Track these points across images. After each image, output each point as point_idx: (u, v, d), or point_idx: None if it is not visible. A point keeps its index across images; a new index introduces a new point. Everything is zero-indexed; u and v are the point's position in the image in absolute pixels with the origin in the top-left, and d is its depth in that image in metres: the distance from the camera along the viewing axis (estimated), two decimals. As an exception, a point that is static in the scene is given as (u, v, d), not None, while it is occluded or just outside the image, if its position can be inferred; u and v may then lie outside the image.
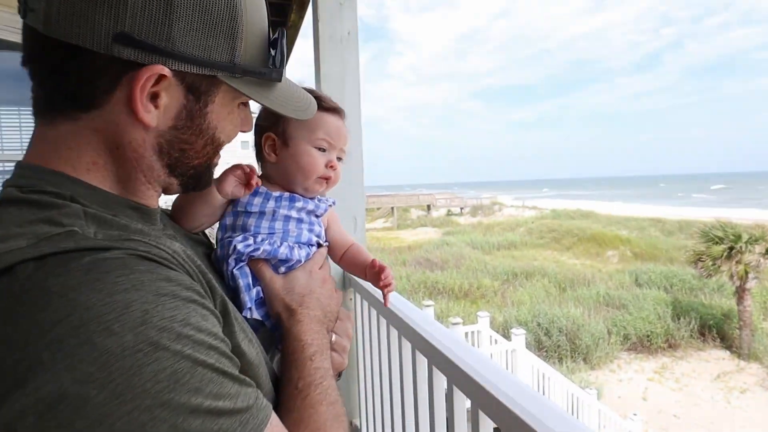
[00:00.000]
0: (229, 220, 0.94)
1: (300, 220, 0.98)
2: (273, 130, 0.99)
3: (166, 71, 0.56)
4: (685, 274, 18.24)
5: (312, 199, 1.02)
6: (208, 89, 0.63)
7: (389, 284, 1.03)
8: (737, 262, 13.75)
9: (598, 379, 12.61)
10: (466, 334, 9.56)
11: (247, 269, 0.89)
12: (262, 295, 0.88)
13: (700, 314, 15.23)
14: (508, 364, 8.94)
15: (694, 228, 16.56)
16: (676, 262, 21.18)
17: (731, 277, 13.87)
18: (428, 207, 45.69)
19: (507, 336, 12.02)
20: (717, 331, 14.90)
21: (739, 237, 14.04)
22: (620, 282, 19.33)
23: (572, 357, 13.38)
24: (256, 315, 0.86)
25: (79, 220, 0.53)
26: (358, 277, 1.11)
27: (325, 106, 0.99)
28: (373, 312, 1.95)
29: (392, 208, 41.79)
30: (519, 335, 8.99)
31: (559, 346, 13.57)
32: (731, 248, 13.95)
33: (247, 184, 0.93)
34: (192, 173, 0.69)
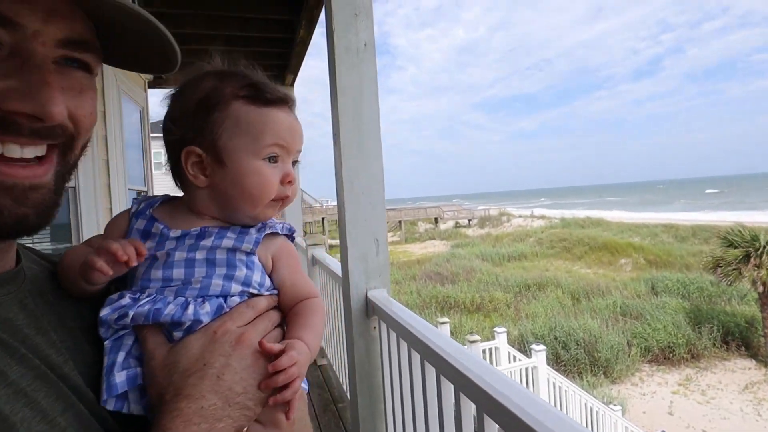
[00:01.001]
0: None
1: (211, 263, 0.67)
2: (197, 142, 0.68)
3: None
4: (702, 280, 17.88)
5: (246, 228, 0.71)
6: None
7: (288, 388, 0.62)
8: (758, 267, 13.40)
9: (621, 393, 12.23)
10: (484, 351, 9.30)
11: (128, 340, 0.63)
12: (140, 381, 0.61)
13: (722, 322, 14.83)
14: (528, 382, 8.65)
15: (708, 233, 16.26)
16: (693, 269, 20.78)
17: (754, 282, 13.51)
18: (436, 220, 45.54)
19: (524, 351, 11.73)
20: (741, 340, 14.49)
21: (757, 240, 13.72)
22: (636, 291, 18.97)
23: (592, 371, 13.03)
24: (112, 405, 0.58)
25: None
26: None
27: (268, 97, 0.70)
28: (403, 344, 1.79)
29: (399, 221, 41.67)
30: (539, 351, 8.72)
31: (577, 359, 13.24)
32: (750, 253, 13.62)
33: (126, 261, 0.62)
34: None
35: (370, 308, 2.12)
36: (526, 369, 8.89)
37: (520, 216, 46.52)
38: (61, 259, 0.66)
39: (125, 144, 3.81)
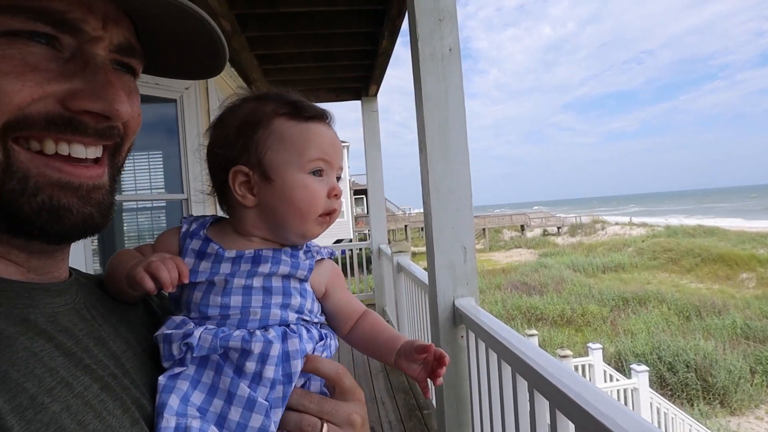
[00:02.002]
0: (175, 291, 0.66)
1: (267, 291, 0.67)
2: (243, 162, 0.69)
3: None
4: None
5: (294, 252, 0.72)
6: None
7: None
8: None
9: (741, 427, 10.76)
10: (576, 367, 8.71)
11: (182, 384, 0.59)
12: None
13: None
14: (627, 405, 7.93)
15: None
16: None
17: None
18: (522, 227, 43.83)
19: (622, 370, 10.78)
20: None
21: None
22: (762, 311, 16.66)
23: (705, 398, 11.62)
24: None
25: None
26: (377, 359, 0.79)
27: (308, 113, 0.72)
28: (492, 355, 1.73)
29: (483, 229, 40.69)
30: (641, 372, 7.96)
31: (686, 384, 11.90)
32: None
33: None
34: None
35: (457, 317, 2.08)
36: (625, 390, 8.16)
37: (617, 224, 43.15)
38: (109, 262, 0.68)
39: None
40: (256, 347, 0.62)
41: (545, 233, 42.78)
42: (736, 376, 11.85)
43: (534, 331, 11.38)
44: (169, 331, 0.63)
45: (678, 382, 11.99)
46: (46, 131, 0.45)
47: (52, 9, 0.44)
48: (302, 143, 0.70)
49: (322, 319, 0.75)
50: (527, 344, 1.54)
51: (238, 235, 0.72)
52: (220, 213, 0.79)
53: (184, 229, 0.72)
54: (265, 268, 0.68)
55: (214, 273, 0.67)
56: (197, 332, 0.62)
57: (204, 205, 3.39)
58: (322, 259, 0.75)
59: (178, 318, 0.65)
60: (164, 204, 4.02)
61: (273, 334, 0.64)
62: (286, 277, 0.69)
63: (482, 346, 1.86)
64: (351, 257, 6.76)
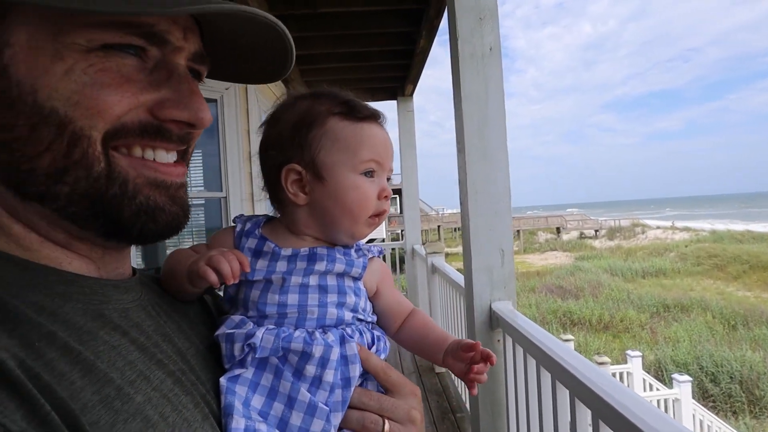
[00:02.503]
0: (231, 290, 0.70)
1: (323, 289, 0.68)
2: (297, 160, 0.70)
3: None
4: None
5: (346, 251, 0.72)
6: None
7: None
8: None
9: (792, 442, 10.16)
10: (614, 375, 8.43)
11: (241, 389, 0.59)
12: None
13: None
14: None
15: None
16: None
17: None
18: (558, 230, 42.81)
19: (662, 379, 10.37)
20: None
21: None
22: (815, 321, 15.65)
23: (751, 411, 11.04)
24: None
25: None
26: (425, 358, 0.80)
27: (361, 113, 0.72)
28: (531, 360, 1.69)
29: (518, 230, 39.97)
30: (683, 382, 7.64)
31: (730, 396, 11.34)
32: None
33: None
34: (55, 190, 0.45)
35: (494, 320, 2.05)
36: (665, 401, 7.84)
37: (658, 227, 41.53)
38: (166, 261, 0.68)
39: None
40: (317, 351, 0.62)
41: (582, 236, 41.65)
42: (787, 389, 11.21)
43: (569, 336, 11.11)
44: (231, 331, 0.63)
45: (721, 394, 11.44)
46: (140, 138, 0.48)
47: (144, 23, 0.46)
48: (355, 144, 0.70)
49: (374, 318, 0.75)
50: (568, 351, 1.51)
51: (290, 233, 0.73)
52: (262, 211, 0.80)
53: (238, 229, 0.73)
54: (321, 266, 0.68)
55: (271, 271, 0.67)
56: (259, 333, 0.62)
57: (242, 203, 3.48)
58: (372, 257, 0.75)
59: (237, 317, 0.66)
60: (203, 202, 4.13)
61: (332, 337, 0.64)
62: (341, 275, 0.70)
63: (519, 351, 1.83)
64: (384, 258, 6.78)
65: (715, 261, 25.39)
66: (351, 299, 0.69)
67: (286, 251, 0.69)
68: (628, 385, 8.42)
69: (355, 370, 0.64)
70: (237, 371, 0.61)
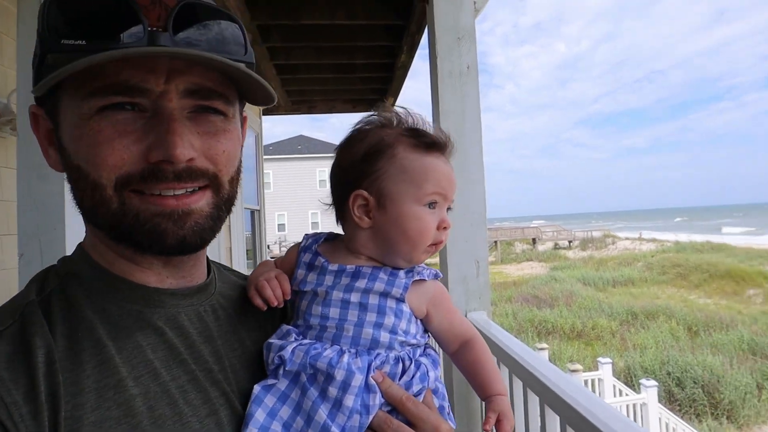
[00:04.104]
0: (292, 299, 0.75)
1: (363, 308, 0.70)
2: (365, 186, 0.75)
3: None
4: None
5: (394, 271, 0.74)
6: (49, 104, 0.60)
7: None
8: None
9: (750, 444, 10.59)
10: (586, 381, 8.65)
11: (270, 400, 0.64)
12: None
13: None
14: (636, 420, 7.86)
15: None
16: None
17: None
18: (534, 240, 43.46)
19: (631, 385, 10.68)
20: None
21: None
22: (770, 327, 16.38)
23: (713, 414, 11.47)
24: None
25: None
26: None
27: (428, 141, 0.76)
28: (504, 369, 1.71)
29: (495, 241, 40.43)
30: (650, 387, 7.91)
31: (694, 399, 11.75)
32: None
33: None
34: (99, 222, 0.60)
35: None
36: (634, 405, 8.09)
37: (627, 238, 42.75)
38: (255, 268, 0.78)
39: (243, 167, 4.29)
40: (339, 374, 0.65)
41: (556, 246, 42.42)
42: (743, 392, 11.69)
43: (544, 345, 11.32)
44: (272, 340, 0.69)
45: (686, 398, 11.84)
46: (144, 183, 0.57)
47: (119, 81, 0.54)
48: (421, 177, 0.74)
49: (423, 341, 0.76)
50: (538, 359, 1.53)
51: (347, 251, 0.77)
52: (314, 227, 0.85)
53: (302, 244, 0.80)
54: (361, 284, 0.72)
55: (318, 284, 0.73)
56: (290, 346, 0.67)
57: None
58: (423, 280, 0.76)
59: (286, 327, 0.72)
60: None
61: (359, 363, 0.67)
62: (383, 295, 0.72)
63: (493, 360, 1.88)
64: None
65: (678, 270, 26.29)
66: (390, 320, 0.70)
67: (333, 266, 0.74)
68: (599, 392, 8.64)
69: (375, 399, 0.65)
70: (271, 381, 0.66)
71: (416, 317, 0.75)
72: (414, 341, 0.73)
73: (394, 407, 0.67)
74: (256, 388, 0.64)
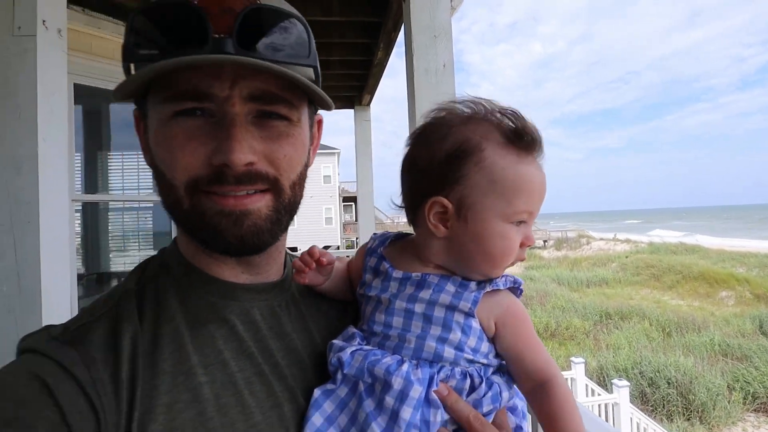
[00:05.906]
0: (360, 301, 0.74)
1: (428, 320, 0.63)
2: (444, 194, 0.65)
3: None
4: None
5: (464, 282, 0.66)
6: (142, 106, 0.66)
7: None
8: None
9: (719, 443, 10.88)
10: (559, 381, 8.73)
11: (329, 406, 0.61)
12: None
13: None
14: (608, 420, 7.98)
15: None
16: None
17: None
18: (509, 240, 44.03)
19: (604, 385, 10.86)
20: None
21: None
22: (740, 328, 16.93)
23: (685, 415, 11.74)
24: None
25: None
26: None
27: (520, 141, 0.65)
28: None
29: (471, 241, 40.79)
30: (622, 387, 8.03)
31: (668, 400, 12.01)
32: None
33: (318, 264, 0.72)
34: (176, 218, 0.64)
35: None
36: (606, 405, 8.21)
37: (602, 239, 43.70)
38: None
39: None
40: (396, 383, 0.59)
41: (531, 246, 43.10)
42: (714, 393, 12.00)
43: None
44: (335, 341, 0.66)
45: (659, 398, 12.10)
46: (211, 185, 0.59)
47: (189, 88, 0.57)
48: (512, 192, 0.64)
49: (497, 362, 0.66)
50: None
51: (415, 258, 0.70)
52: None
53: (369, 246, 0.74)
54: (426, 294, 0.65)
55: (382, 290, 0.68)
56: (350, 349, 0.64)
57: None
58: (497, 289, 0.67)
59: (351, 330, 0.68)
60: (151, 206, 3.99)
61: (420, 375, 0.60)
62: (450, 308, 0.64)
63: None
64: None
65: (652, 271, 26.97)
66: (456, 336, 0.63)
67: (398, 273, 0.68)
68: (572, 391, 8.73)
69: (437, 416, 0.59)
70: (330, 386, 0.63)
71: (486, 335, 0.65)
72: (484, 360, 0.65)
73: (459, 426, 0.60)
74: (316, 392, 0.62)
